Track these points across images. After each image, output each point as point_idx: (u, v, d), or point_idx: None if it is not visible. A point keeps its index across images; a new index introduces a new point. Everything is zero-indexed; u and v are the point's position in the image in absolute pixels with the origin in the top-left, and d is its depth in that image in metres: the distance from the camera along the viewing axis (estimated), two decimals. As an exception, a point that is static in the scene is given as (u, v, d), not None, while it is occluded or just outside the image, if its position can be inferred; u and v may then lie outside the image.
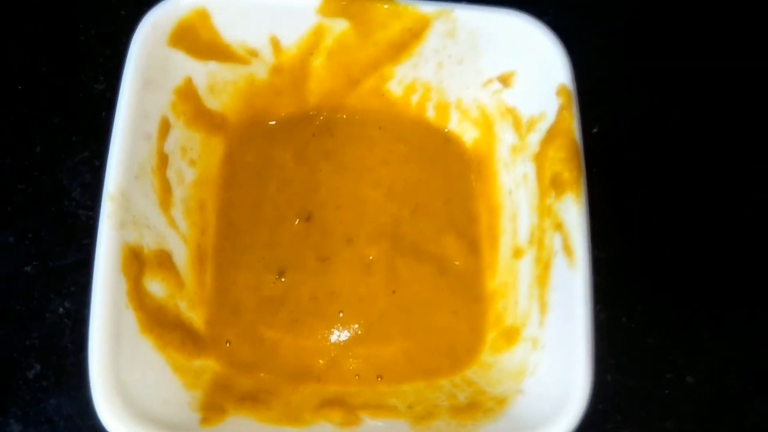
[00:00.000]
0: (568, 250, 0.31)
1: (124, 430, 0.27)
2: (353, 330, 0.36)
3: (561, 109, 0.33)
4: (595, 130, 0.43)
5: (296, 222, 0.38)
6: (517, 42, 0.35)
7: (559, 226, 0.32)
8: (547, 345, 0.31)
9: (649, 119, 0.45)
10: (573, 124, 0.32)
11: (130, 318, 0.30)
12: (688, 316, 0.41)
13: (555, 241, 0.32)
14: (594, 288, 0.31)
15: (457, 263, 0.37)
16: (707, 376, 0.40)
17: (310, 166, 0.39)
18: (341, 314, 0.36)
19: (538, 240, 0.34)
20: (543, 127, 0.34)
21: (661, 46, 0.47)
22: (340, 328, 0.36)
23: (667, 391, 0.39)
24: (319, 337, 0.36)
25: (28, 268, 0.39)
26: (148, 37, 0.33)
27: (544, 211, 0.34)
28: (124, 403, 0.27)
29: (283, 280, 0.36)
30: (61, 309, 0.38)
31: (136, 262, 0.30)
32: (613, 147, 0.43)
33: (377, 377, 0.35)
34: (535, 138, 0.35)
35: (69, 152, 0.42)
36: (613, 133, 0.44)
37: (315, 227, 0.38)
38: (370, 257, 0.37)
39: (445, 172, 0.39)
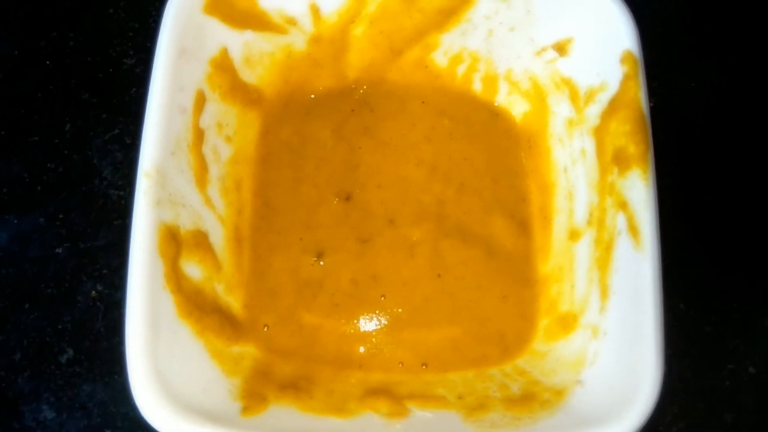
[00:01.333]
0: (633, 230, 0.29)
1: (164, 420, 0.26)
2: (396, 315, 0.34)
3: (626, 79, 0.31)
4: (651, 104, 0.41)
5: (335, 202, 0.36)
6: (576, 6, 0.32)
7: (623, 205, 0.30)
8: (609, 332, 0.29)
9: (709, 93, 0.43)
10: (640, 95, 0.30)
11: (168, 301, 0.28)
12: (750, 302, 0.39)
13: (618, 220, 0.30)
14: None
15: (506, 245, 0.35)
16: (770, 366, 0.37)
17: (349, 143, 0.37)
18: (383, 298, 0.34)
19: (597, 220, 0.32)
20: (604, 98, 0.32)
21: (719, 16, 0.44)
22: (382, 313, 0.34)
23: (727, 382, 0.37)
24: (360, 322, 0.34)
25: (59, 250, 0.38)
26: (183, 4, 0.31)
27: (605, 188, 0.32)
28: (163, 392, 0.26)
29: (321, 263, 0.35)
30: (93, 292, 0.37)
31: (173, 242, 0.29)
32: (669, 122, 0.41)
33: (422, 365, 0.33)
34: (594, 110, 0.33)
35: (99, 130, 0.41)
36: (671, 108, 0.41)
37: (355, 207, 0.36)
38: (414, 239, 0.35)
39: (492, 149, 0.37)
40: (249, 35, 0.35)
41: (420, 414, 0.30)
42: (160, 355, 0.27)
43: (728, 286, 0.39)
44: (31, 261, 0.38)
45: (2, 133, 0.41)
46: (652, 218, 0.29)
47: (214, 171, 0.33)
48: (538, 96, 0.37)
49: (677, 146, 0.41)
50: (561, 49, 0.35)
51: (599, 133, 0.32)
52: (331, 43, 0.36)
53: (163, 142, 0.29)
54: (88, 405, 0.36)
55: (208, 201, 0.33)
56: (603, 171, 0.32)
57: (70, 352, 0.36)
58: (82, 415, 0.36)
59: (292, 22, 0.35)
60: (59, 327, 0.37)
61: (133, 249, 0.27)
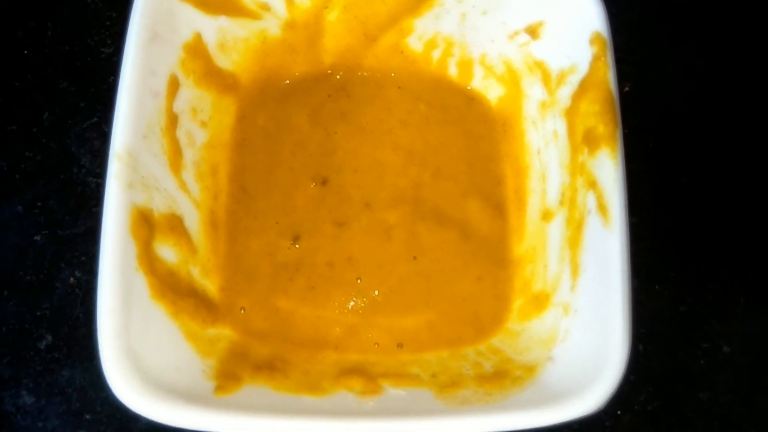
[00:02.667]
0: (602, 208, 0.29)
1: (136, 399, 0.26)
2: (372, 297, 0.34)
3: (595, 60, 0.31)
4: (626, 88, 0.41)
5: (312, 186, 0.36)
6: (546, -12, 0.33)
7: (592, 184, 0.30)
8: (579, 310, 0.30)
9: (684, 78, 0.43)
10: (608, 75, 0.30)
11: (141, 282, 0.28)
12: (724, 283, 0.39)
13: (588, 199, 0.30)
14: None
15: (481, 228, 0.36)
16: (744, 345, 0.38)
17: (325, 128, 0.37)
18: (359, 281, 0.35)
19: (569, 200, 0.32)
20: (574, 80, 0.32)
21: (696, 1, 0.44)
22: (358, 295, 0.34)
23: (702, 362, 0.38)
24: (336, 304, 0.34)
25: (38, 238, 0.38)
26: (154, -12, 0.31)
27: (576, 168, 0.32)
28: (136, 371, 0.26)
29: (297, 246, 0.35)
30: (71, 279, 0.37)
31: (145, 224, 0.29)
32: (645, 106, 0.41)
33: (397, 346, 0.34)
34: (566, 92, 0.33)
35: (77, 118, 0.41)
36: (645, 93, 0.42)
37: (331, 191, 0.36)
38: (390, 222, 0.36)
39: (468, 133, 0.38)
40: (223, 21, 0.35)
41: (393, 392, 0.30)
42: (133, 334, 0.27)
43: (703, 267, 0.39)
44: (9, 249, 0.38)
45: (-20, 122, 0.41)
46: (620, 196, 0.29)
47: (189, 155, 0.33)
48: (512, 80, 0.37)
49: (653, 130, 0.41)
50: (533, 32, 0.35)
51: (570, 114, 0.33)
52: (306, 28, 0.36)
53: (134, 125, 0.29)
54: (67, 390, 0.36)
55: (183, 185, 0.33)
56: (574, 151, 0.32)
57: (49, 338, 0.37)
58: (61, 400, 0.36)
59: (265, 7, 0.35)
60: (38, 314, 0.37)
61: (104, 230, 0.28)
